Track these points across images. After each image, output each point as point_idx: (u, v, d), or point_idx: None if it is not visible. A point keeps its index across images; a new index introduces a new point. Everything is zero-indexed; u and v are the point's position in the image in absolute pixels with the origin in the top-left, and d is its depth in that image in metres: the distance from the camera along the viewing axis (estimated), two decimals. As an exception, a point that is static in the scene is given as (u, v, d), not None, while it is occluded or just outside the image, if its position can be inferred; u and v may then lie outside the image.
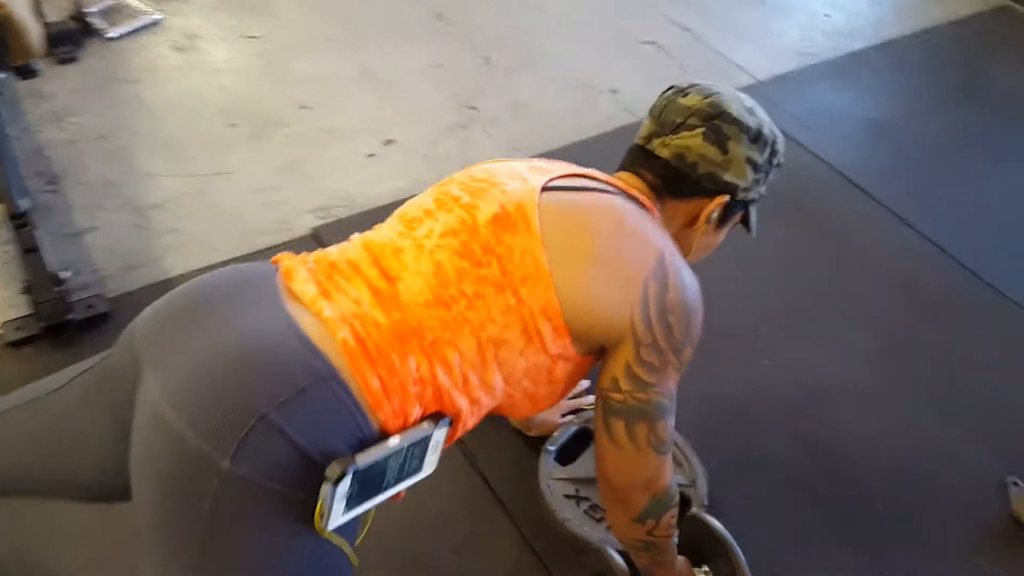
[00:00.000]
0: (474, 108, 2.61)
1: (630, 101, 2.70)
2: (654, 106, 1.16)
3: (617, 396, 1.01)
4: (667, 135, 1.10)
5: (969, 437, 1.77)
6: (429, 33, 2.93)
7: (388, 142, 2.43)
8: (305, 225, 2.11)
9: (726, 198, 1.12)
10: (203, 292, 0.97)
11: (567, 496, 1.50)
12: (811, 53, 3.07)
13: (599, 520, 1.47)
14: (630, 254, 0.99)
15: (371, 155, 2.38)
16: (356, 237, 1.07)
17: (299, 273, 0.98)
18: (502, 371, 0.98)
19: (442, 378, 0.93)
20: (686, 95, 1.12)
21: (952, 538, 1.59)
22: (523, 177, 1.04)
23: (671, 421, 1.05)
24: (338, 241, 1.07)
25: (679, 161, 1.10)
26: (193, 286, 0.99)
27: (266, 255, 1.05)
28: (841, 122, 2.75)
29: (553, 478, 1.52)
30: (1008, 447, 1.75)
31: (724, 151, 1.09)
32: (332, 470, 0.82)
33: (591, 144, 2.47)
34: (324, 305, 0.92)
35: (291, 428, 0.82)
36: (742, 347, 1.89)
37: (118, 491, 0.94)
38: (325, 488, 0.82)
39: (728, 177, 1.11)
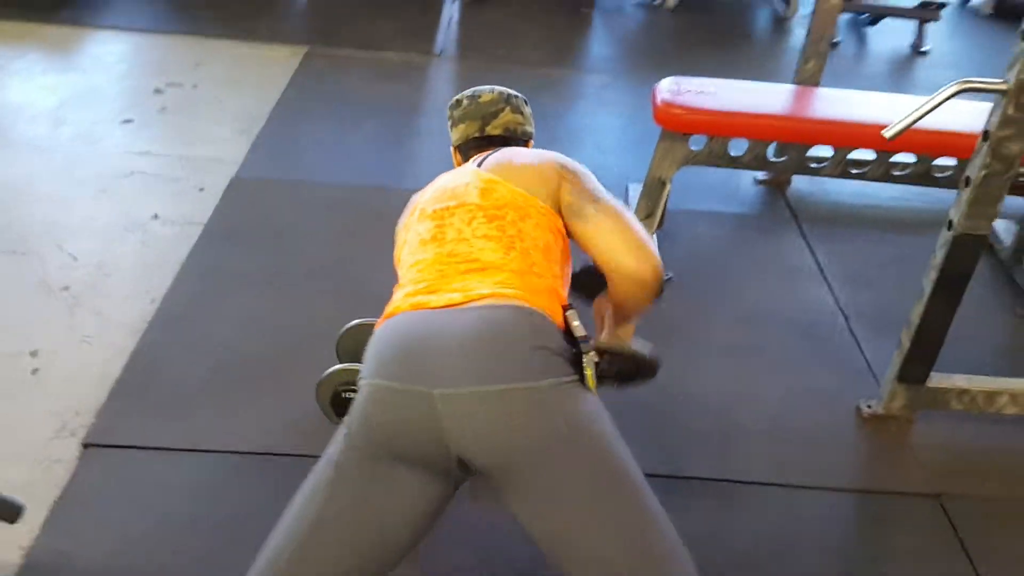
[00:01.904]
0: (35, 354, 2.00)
1: (174, 218, 2.51)
2: (460, 114, 1.67)
3: (570, 198, 1.43)
4: (492, 121, 1.65)
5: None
6: None
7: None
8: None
9: (532, 140, 1.73)
10: (397, 337, 1.24)
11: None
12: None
13: None
14: (540, 160, 1.49)
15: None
16: (406, 289, 1.34)
17: (427, 297, 1.28)
18: (559, 260, 1.42)
19: (551, 282, 1.35)
20: (481, 96, 1.67)
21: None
22: (460, 172, 1.50)
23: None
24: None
25: (508, 132, 1.66)
26: (384, 346, 1.24)
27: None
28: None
29: None
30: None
31: (523, 114, 1.69)
32: (588, 349, 1.27)
33: (188, 278, 2.26)
34: (473, 292, 1.25)
35: (553, 345, 1.23)
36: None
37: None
38: (588, 362, 1.25)
39: (530, 128, 1.72)
